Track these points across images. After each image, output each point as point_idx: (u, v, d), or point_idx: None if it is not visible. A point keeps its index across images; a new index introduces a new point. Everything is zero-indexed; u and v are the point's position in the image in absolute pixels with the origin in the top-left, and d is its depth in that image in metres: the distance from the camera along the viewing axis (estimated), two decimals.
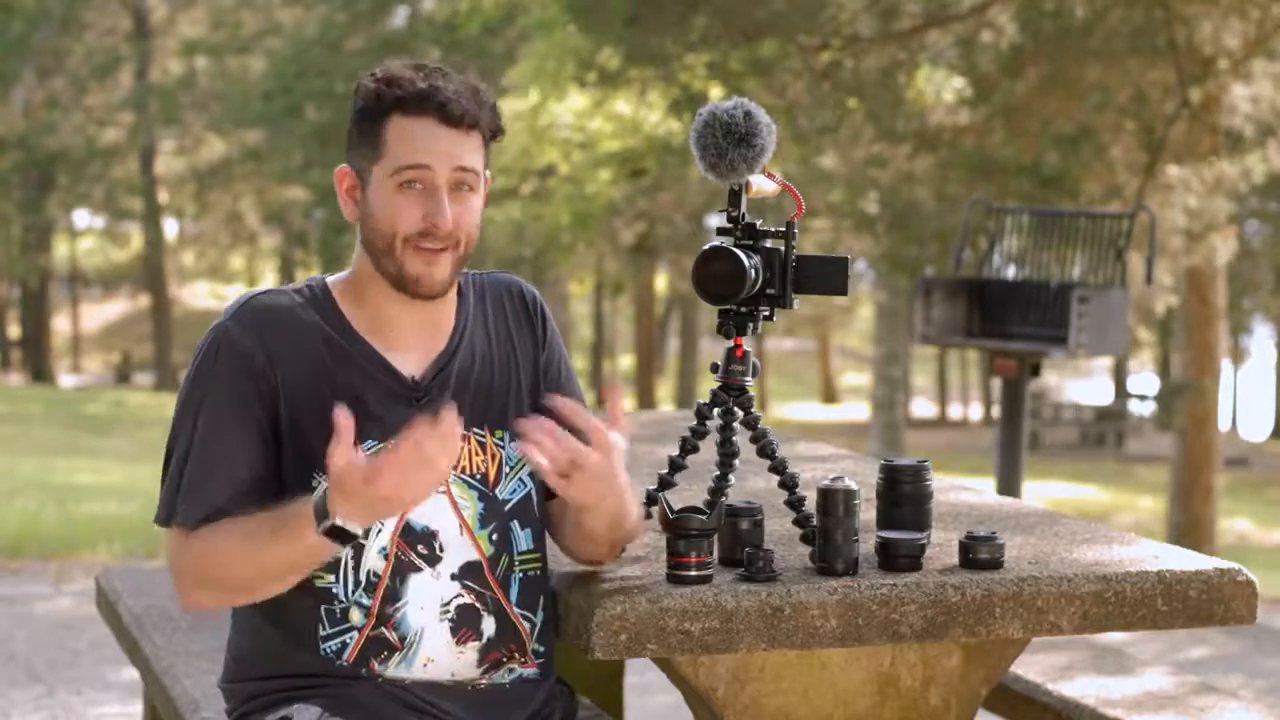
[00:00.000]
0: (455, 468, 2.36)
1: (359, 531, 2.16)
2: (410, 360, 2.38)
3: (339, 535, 2.15)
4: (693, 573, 2.38)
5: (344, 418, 2.10)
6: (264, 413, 2.30)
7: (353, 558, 2.30)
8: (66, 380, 34.89)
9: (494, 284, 2.51)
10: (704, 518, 2.39)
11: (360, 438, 2.30)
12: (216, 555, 2.25)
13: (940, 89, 13.36)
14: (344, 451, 2.10)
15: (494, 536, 2.38)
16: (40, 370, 33.07)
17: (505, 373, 2.44)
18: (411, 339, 2.39)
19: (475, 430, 2.40)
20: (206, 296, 45.77)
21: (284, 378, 2.30)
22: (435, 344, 2.40)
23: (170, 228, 36.85)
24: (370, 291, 2.37)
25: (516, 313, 2.49)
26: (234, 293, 44.24)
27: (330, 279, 2.43)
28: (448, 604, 2.33)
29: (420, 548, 2.33)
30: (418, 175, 2.30)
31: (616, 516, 2.34)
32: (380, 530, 2.31)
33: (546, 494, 2.47)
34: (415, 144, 2.29)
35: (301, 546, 2.19)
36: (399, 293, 2.34)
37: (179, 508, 2.30)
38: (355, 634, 2.31)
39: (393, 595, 2.31)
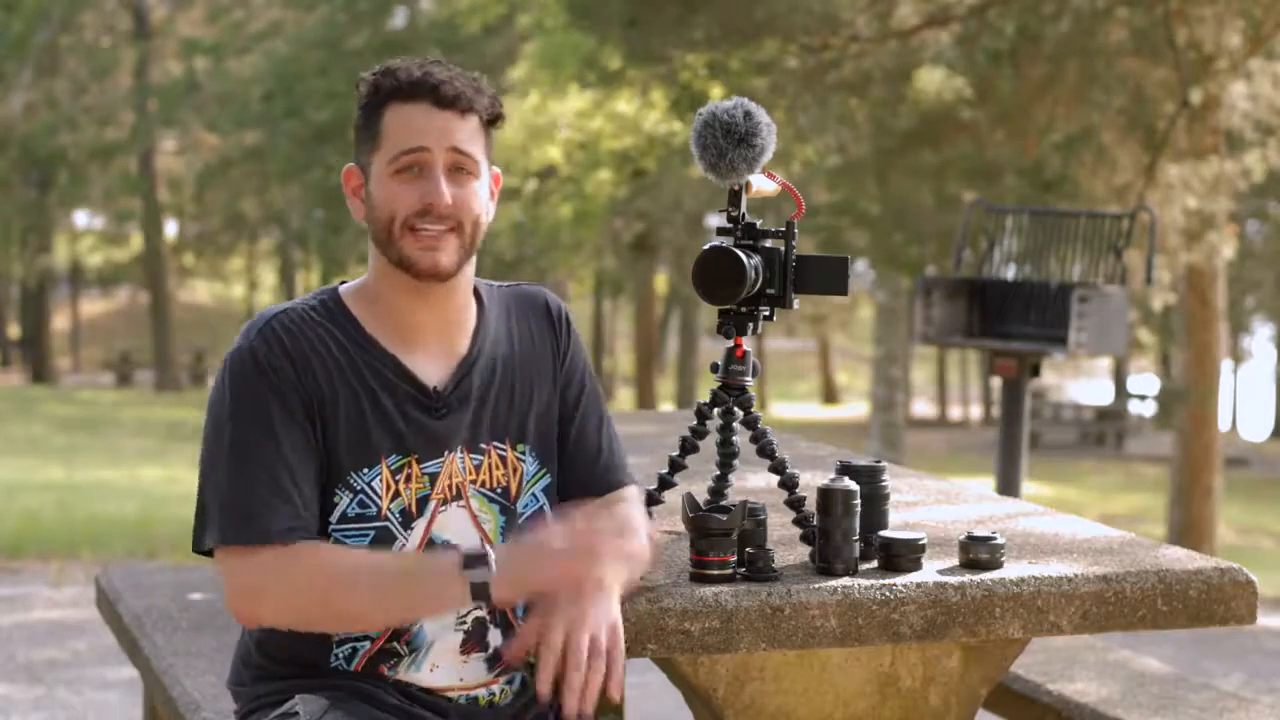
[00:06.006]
0: (476, 482, 2.35)
1: (497, 599, 2.21)
2: (429, 366, 2.34)
3: (480, 593, 2.19)
4: (713, 571, 2.38)
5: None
6: (308, 422, 2.27)
7: None
8: (66, 380, 34.87)
9: (519, 296, 2.48)
10: (724, 517, 2.38)
11: (385, 451, 2.29)
12: (332, 579, 2.21)
13: (940, 89, 13.35)
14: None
15: None
16: (40, 370, 33.07)
17: (527, 385, 2.41)
18: (429, 340, 2.35)
19: (496, 444, 2.37)
20: (206, 296, 45.77)
21: (313, 391, 2.28)
22: (454, 349, 2.37)
23: (170, 228, 36.83)
24: (383, 289, 2.34)
25: (540, 324, 2.46)
26: (234, 293, 44.33)
27: (342, 287, 2.40)
28: (464, 616, 2.33)
29: None
30: (414, 159, 2.29)
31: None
32: (404, 545, 2.30)
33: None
34: (411, 127, 2.29)
35: (443, 592, 2.20)
36: (408, 278, 2.31)
37: (251, 524, 2.22)
38: (367, 643, 2.31)
39: None
